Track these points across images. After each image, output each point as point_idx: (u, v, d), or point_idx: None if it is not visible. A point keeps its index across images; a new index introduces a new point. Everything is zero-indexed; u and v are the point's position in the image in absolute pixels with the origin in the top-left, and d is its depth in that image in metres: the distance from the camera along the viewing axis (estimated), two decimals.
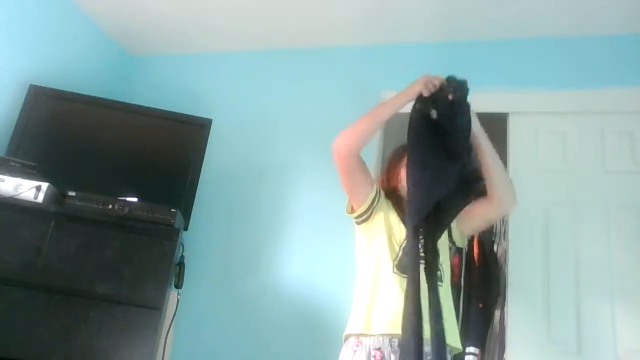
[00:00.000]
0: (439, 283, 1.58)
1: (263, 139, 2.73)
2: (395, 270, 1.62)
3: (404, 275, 1.56)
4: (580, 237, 2.18)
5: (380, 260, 1.65)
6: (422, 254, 1.56)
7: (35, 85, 2.42)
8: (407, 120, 1.67)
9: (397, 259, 1.64)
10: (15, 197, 2.00)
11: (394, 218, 1.72)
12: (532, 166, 2.33)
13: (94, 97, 2.54)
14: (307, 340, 2.29)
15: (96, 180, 2.35)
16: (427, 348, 1.43)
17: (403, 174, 1.72)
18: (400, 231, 1.68)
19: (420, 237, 1.56)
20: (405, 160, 1.69)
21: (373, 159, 2.51)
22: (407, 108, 2.54)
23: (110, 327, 1.93)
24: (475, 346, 2.36)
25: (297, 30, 2.72)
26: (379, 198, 1.72)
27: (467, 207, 1.69)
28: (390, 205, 1.75)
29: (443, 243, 1.68)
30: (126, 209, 2.09)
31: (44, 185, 2.04)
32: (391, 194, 1.78)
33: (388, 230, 1.68)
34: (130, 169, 2.48)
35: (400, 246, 1.65)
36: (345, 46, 2.77)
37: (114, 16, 2.78)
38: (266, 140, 2.72)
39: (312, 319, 2.33)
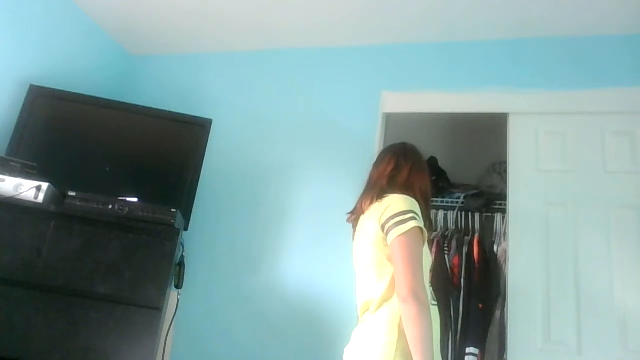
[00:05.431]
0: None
1: (263, 139, 2.73)
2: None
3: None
4: (580, 237, 2.18)
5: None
6: None
7: (36, 85, 2.42)
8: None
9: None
10: (16, 197, 2.00)
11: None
12: (532, 166, 2.33)
13: (94, 97, 2.54)
14: (308, 341, 2.29)
15: (96, 181, 2.35)
16: None
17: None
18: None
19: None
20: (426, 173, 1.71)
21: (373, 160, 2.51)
22: (408, 108, 2.54)
23: (110, 327, 1.93)
24: (475, 346, 2.36)
25: (297, 30, 2.72)
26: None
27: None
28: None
29: None
30: (126, 209, 2.09)
31: (44, 186, 2.04)
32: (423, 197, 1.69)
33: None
34: (131, 169, 2.48)
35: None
36: (346, 46, 2.77)
37: (115, 15, 2.78)
38: (266, 140, 2.72)
39: (313, 319, 2.33)
